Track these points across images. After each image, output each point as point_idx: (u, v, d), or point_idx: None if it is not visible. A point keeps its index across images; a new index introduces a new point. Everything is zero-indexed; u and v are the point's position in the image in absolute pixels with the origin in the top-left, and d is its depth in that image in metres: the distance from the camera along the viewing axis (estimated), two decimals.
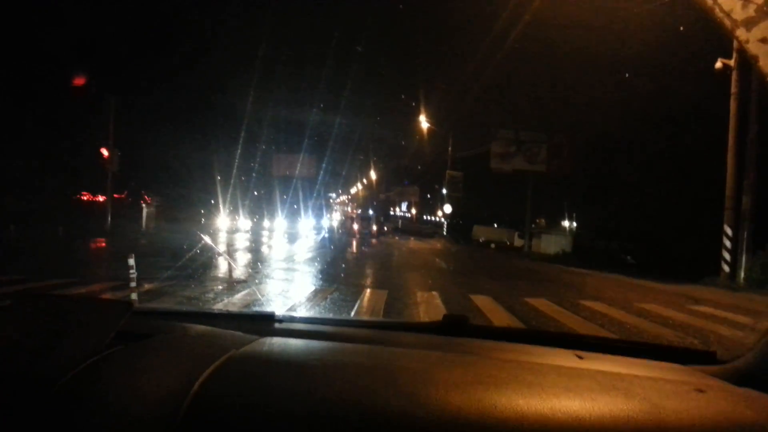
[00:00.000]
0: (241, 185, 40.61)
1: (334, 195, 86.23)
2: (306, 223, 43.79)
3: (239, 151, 33.75)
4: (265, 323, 1.55)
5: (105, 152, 21.08)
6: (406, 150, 52.87)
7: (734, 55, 13.80)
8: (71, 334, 1.01)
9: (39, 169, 20.10)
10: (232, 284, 9.74)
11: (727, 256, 14.11)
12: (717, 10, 0.88)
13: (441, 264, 17.95)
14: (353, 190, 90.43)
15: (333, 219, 59.74)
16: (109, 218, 21.78)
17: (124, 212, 28.20)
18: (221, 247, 19.15)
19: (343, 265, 15.10)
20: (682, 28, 13.81)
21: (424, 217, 64.34)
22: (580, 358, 1.35)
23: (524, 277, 15.09)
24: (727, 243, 14.12)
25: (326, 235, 34.56)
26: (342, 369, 1.05)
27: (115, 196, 33.67)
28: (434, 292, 9.74)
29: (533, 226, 34.86)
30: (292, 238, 29.66)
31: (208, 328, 1.33)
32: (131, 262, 6.06)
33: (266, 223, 43.86)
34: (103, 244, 18.52)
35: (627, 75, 20.38)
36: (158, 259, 13.07)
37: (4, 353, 0.95)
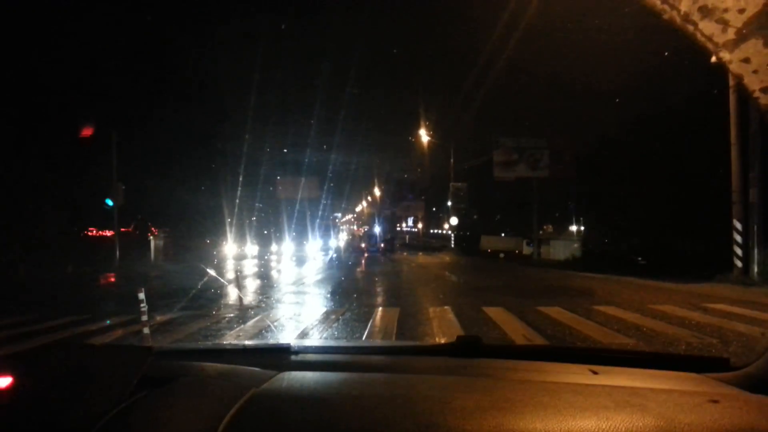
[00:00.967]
0: (246, 211, 40.81)
1: (339, 215, 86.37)
2: (313, 244, 43.88)
3: (241, 177, 33.96)
4: (281, 356, 1.57)
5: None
6: (409, 165, 53.06)
7: None
8: (97, 383, 1.03)
9: (45, 207, 20.26)
10: (243, 312, 9.74)
11: (738, 251, 13.99)
12: (699, 35, 0.90)
13: (451, 277, 17.89)
14: (358, 208, 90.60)
15: (339, 239, 59.72)
16: (117, 252, 21.85)
17: (132, 245, 28.12)
18: (230, 275, 19.23)
19: (353, 285, 15.08)
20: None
21: (431, 230, 64.29)
22: (595, 373, 1.36)
23: (536, 285, 15.01)
24: (738, 238, 14.01)
25: (334, 256, 34.55)
26: (360, 401, 1.06)
27: (122, 230, 33.94)
28: (446, 307, 9.70)
29: (540, 232, 34.72)
30: (300, 260, 29.69)
31: (227, 366, 1.34)
32: (141, 296, 6.08)
33: (273, 247, 43.94)
34: (113, 279, 18.59)
35: (626, 74, 20.36)
36: (169, 291, 13.11)
37: (32, 405, 0.95)
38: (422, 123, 37.76)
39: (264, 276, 19.79)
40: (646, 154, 24.19)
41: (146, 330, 6.24)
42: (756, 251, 13.56)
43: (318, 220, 47.02)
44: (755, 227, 13.63)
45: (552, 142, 28.21)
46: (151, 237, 31.85)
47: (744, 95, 0.88)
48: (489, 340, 2.27)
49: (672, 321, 7.99)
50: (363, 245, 40.09)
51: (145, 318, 6.08)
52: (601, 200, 28.30)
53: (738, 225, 14.01)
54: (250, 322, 8.60)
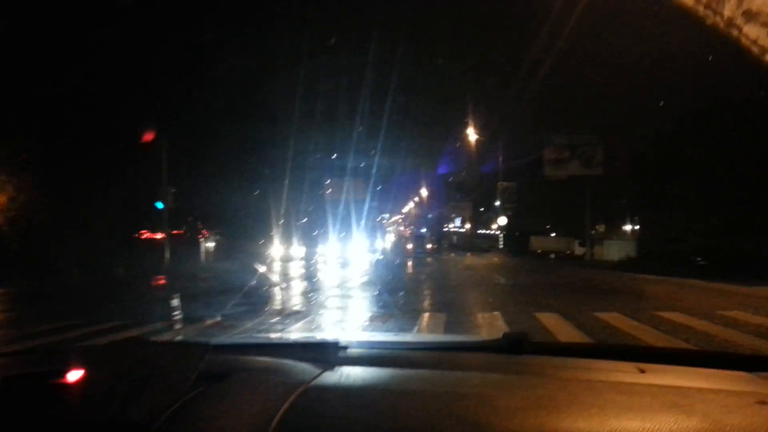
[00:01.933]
0: (295, 213, 41.12)
1: (387, 215, 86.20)
2: (359, 246, 43.52)
3: (290, 180, 34.16)
4: (329, 351, 1.60)
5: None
6: (456, 164, 52.31)
7: None
8: (160, 378, 1.06)
9: (97, 210, 20.76)
10: (286, 316, 9.55)
11: None
12: (743, 39, 0.88)
13: (500, 280, 17.33)
14: (405, 209, 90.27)
15: (386, 240, 59.51)
16: (167, 255, 22.20)
17: (183, 248, 28.35)
18: (276, 277, 19.29)
19: (399, 288, 14.71)
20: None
21: (479, 231, 63.33)
22: (642, 371, 1.34)
23: (590, 288, 14.30)
24: None
25: (380, 258, 34.31)
26: (407, 397, 1.09)
27: (174, 232, 34.75)
28: (496, 313, 9.24)
29: (593, 232, 33.63)
30: (346, 262, 29.49)
31: (279, 360, 1.39)
32: (175, 303, 5.95)
33: (320, 248, 43.96)
34: (163, 282, 18.85)
35: (683, 68, 19.27)
36: (217, 293, 13.12)
37: (99, 399, 0.98)
38: (470, 122, 37.03)
39: (309, 278, 19.70)
40: (705, 149, 22.95)
41: (179, 337, 6.11)
42: None
43: (364, 221, 46.84)
44: None
45: (606, 138, 27.00)
46: (202, 239, 32.43)
47: None
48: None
49: (746, 329, 7.30)
50: (410, 246, 39.72)
51: (179, 327, 5.95)
52: (658, 198, 27.08)
53: None
54: (297, 325, 8.38)
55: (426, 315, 9.30)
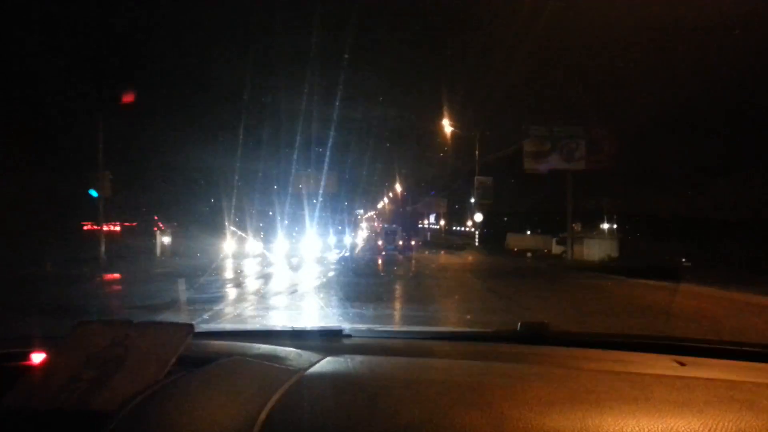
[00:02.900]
0: (259, 208, 39.12)
1: (361, 211, 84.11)
2: (320, 242, 40.22)
3: (259, 174, 32.27)
4: (332, 339, 1.52)
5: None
6: (430, 159, 50.51)
7: None
8: (132, 362, 0.98)
9: (27, 200, 18.48)
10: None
11: None
12: None
13: (478, 283, 15.45)
14: (380, 205, 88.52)
15: (358, 235, 57.39)
16: (102, 248, 19.69)
17: (136, 240, 27.02)
18: (228, 274, 17.28)
19: (360, 292, 12.60)
20: None
21: (454, 227, 61.90)
22: (682, 364, 1.27)
23: (580, 295, 12.51)
24: None
25: (347, 255, 32.12)
26: (418, 387, 1.01)
27: (125, 224, 32.29)
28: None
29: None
30: (301, 262, 26.46)
31: (273, 347, 1.30)
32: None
33: (275, 245, 40.51)
34: (100, 279, 16.41)
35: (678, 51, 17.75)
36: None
37: (63, 383, 0.92)
38: (445, 113, 35.11)
39: (262, 277, 17.49)
40: (696, 141, 21.76)
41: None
42: None
43: (331, 216, 44.63)
44: None
45: (589, 129, 25.31)
46: (158, 232, 30.14)
47: None
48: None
49: None
50: (380, 243, 37.72)
51: None
52: (641, 194, 25.98)
53: None
54: None
55: None
